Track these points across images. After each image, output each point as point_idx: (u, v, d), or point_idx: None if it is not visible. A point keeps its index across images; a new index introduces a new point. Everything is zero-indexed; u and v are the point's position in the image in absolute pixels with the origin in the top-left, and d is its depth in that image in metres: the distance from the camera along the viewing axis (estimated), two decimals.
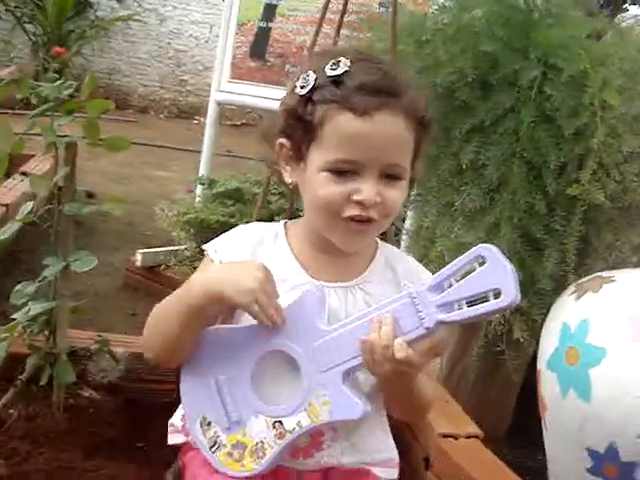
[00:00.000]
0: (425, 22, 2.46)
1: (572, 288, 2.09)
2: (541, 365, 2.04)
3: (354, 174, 1.19)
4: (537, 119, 2.17)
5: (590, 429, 1.87)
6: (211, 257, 1.31)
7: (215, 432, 1.28)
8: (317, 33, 2.01)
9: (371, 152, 1.18)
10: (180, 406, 1.40)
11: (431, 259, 2.34)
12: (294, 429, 1.23)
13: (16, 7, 9.48)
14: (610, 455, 1.85)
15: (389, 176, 1.21)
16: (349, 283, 1.30)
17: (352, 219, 1.21)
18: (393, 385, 1.22)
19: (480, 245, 1.12)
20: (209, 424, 1.29)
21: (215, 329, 1.31)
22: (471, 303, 1.12)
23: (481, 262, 1.11)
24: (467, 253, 1.12)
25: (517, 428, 2.58)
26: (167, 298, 1.30)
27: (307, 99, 1.22)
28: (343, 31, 2.33)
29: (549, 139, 2.16)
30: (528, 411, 2.23)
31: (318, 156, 1.21)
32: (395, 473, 1.38)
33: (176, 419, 1.41)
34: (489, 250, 1.10)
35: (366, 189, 1.18)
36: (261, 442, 1.25)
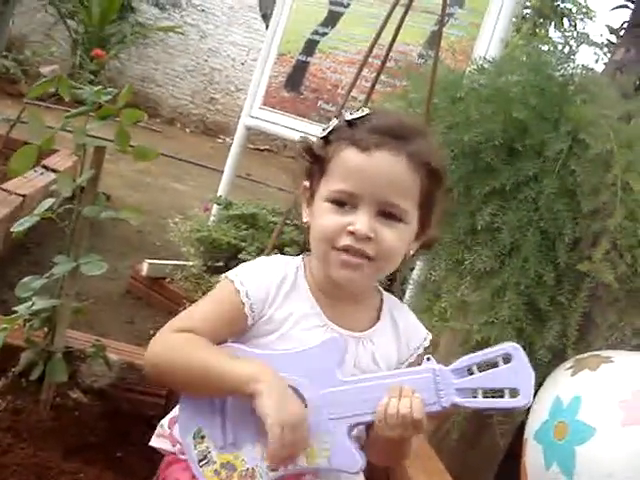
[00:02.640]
0: (461, 80, 2.49)
1: (570, 363, 2.09)
2: (528, 435, 2.04)
3: (353, 208, 1.25)
4: (558, 191, 2.19)
5: None
6: (237, 288, 1.30)
7: (207, 447, 1.29)
8: (357, 76, 2.04)
9: (367, 185, 1.24)
10: (173, 410, 1.40)
11: (434, 313, 2.35)
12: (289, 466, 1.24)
13: (60, 2, 9.62)
14: None
15: (387, 216, 1.26)
16: (361, 334, 1.34)
17: (345, 250, 1.25)
18: (392, 443, 1.26)
19: (510, 344, 1.20)
20: (202, 437, 1.29)
21: (231, 349, 1.32)
22: (487, 394, 1.19)
23: (505, 358, 1.18)
24: (496, 347, 1.20)
25: None
26: (195, 350, 1.27)
27: (325, 140, 1.31)
28: (380, 76, 2.37)
29: (567, 213, 2.17)
30: (509, 478, 2.21)
31: (324, 188, 1.29)
32: None
33: (166, 421, 1.42)
34: (517, 351, 1.18)
35: (360, 222, 1.23)
36: (252, 469, 1.26)
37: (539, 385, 2.14)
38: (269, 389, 1.19)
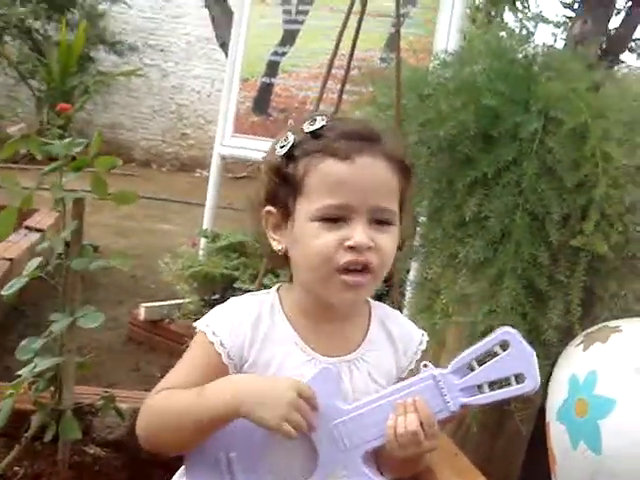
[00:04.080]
0: (427, 77, 2.49)
1: (580, 338, 2.08)
2: (550, 417, 2.03)
3: (344, 221, 1.19)
4: (539, 171, 2.18)
5: None
6: (210, 339, 1.24)
7: None
8: (322, 89, 2.05)
9: (358, 195, 1.19)
10: (177, 474, 1.35)
11: (436, 310, 2.34)
12: None
13: (19, 63, 9.64)
14: None
15: (379, 221, 1.21)
16: (352, 356, 1.28)
17: (347, 269, 1.19)
18: (408, 460, 1.22)
19: (503, 329, 1.16)
20: None
21: None
22: (493, 386, 1.15)
23: (502, 345, 1.15)
24: (490, 337, 1.16)
25: None
26: (175, 399, 1.22)
27: (288, 157, 1.23)
28: (346, 86, 2.38)
29: (551, 191, 2.17)
30: (537, 464, 2.20)
31: (306, 207, 1.21)
32: None
33: None
34: (512, 335, 1.15)
35: (357, 233, 1.18)
36: None
37: (552, 366, 2.13)
38: (250, 405, 1.15)
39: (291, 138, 1.23)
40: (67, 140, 1.61)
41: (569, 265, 2.21)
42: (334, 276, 1.20)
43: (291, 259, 1.27)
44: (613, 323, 2.08)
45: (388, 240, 1.22)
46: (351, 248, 1.18)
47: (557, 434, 1.99)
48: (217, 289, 3.45)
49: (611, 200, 2.14)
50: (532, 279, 2.20)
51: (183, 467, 1.31)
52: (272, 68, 3.89)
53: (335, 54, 2.22)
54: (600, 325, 2.10)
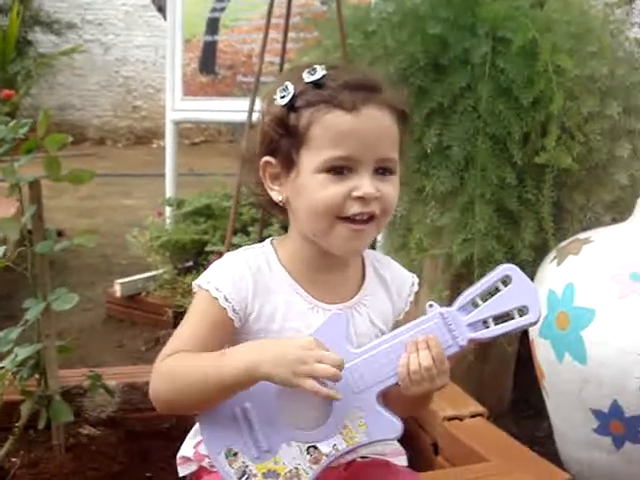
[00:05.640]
0: (369, 13, 2.46)
1: (552, 254, 2.10)
2: (533, 334, 2.05)
3: (350, 172, 1.19)
4: (494, 93, 2.18)
5: (591, 390, 1.88)
6: (213, 295, 1.24)
7: (243, 462, 1.24)
8: (265, 40, 2.01)
9: (364, 146, 1.19)
10: (187, 438, 1.37)
11: (411, 246, 2.34)
12: (330, 452, 1.22)
13: None
14: (614, 413, 1.86)
15: (382, 171, 1.21)
16: (353, 301, 1.30)
17: (353, 219, 1.20)
18: (420, 399, 1.25)
19: (505, 266, 1.20)
20: (235, 455, 1.24)
21: None
22: (497, 320, 1.19)
23: (504, 281, 1.19)
24: (492, 274, 1.20)
25: (519, 400, 2.59)
26: (190, 363, 1.21)
27: (289, 107, 1.22)
28: (290, 34, 2.34)
29: (509, 111, 2.16)
30: (528, 382, 2.23)
31: (311, 159, 1.20)
32: (405, 461, 1.39)
33: (186, 450, 1.36)
34: (514, 270, 1.19)
35: (365, 184, 1.18)
36: (295, 468, 1.22)
37: None
38: (270, 365, 1.15)
39: (291, 88, 1.22)
40: (12, 123, 1.57)
41: (536, 183, 2.22)
42: (338, 225, 1.21)
43: (292, 209, 1.27)
44: (583, 235, 2.10)
45: (391, 189, 1.22)
46: (359, 198, 1.18)
47: (542, 350, 2.01)
48: (189, 255, 3.43)
49: (569, 112, 2.15)
50: (502, 202, 2.21)
51: (196, 426, 1.32)
52: (213, 25, 3.82)
53: (272, 3, 2.18)
54: (571, 239, 2.12)
